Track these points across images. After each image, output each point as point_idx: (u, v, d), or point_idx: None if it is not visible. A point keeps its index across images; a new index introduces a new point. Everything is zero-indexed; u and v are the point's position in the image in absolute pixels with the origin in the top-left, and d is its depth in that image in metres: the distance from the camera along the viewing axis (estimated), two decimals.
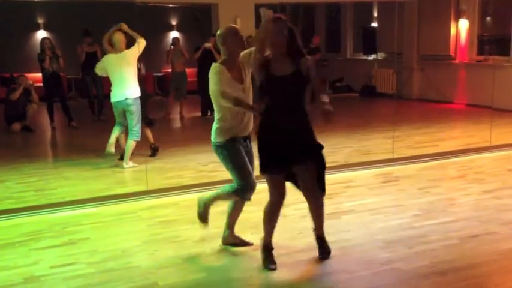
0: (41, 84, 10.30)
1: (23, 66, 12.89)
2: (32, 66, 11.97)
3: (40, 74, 10.30)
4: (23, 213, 5.27)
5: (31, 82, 10.32)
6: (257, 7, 11.11)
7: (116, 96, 6.85)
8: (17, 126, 9.89)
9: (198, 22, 13.29)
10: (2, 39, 13.90)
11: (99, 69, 7.06)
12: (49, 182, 6.47)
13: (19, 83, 10.23)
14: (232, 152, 3.95)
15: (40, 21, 15.01)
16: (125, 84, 6.82)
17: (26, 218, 5.19)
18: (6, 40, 14.02)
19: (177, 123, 11.02)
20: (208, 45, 10.83)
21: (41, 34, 14.20)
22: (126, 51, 6.91)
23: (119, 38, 6.90)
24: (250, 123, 4.07)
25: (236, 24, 10.98)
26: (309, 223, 4.82)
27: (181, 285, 3.69)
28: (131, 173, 6.75)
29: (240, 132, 3.99)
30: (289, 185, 3.95)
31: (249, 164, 4.00)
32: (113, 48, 6.93)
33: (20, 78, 10.36)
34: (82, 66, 10.93)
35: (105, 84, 11.12)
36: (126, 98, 6.80)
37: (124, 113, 6.90)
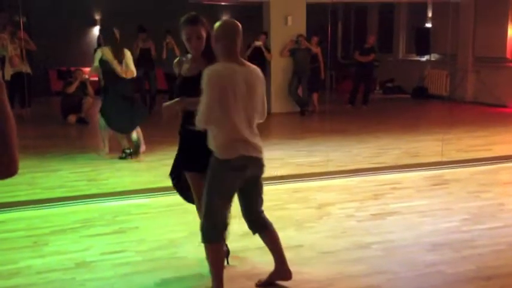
0: (97, 79, 10.61)
1: (80, 61, 13.30)
2: (88, 61, 12.33)
3: None
4: (76, 202, 5.46)
5: (87, 76, 10.62)
6: (309, 6, 11.11)
7: None
8: (72, 118, 10.23)
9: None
10: (60, 34, 14.37)
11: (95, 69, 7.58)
12: (101, 172, 6.67)
13: (75, 77, 10.55)
14: None
15: (97, 17, 15.45)
16: None
17: (78, 206, 5.38)
18: (64, 35, 14.48)
19: None
20: (258, 43, 10.88)
21: (98, 29, 14.63)
22: None
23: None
24: None
25: (287, 23, 11.07)
26: (354, 223, 4.84)
27: (224, 278, 3.76)
28: None
29: None
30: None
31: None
32: None
33: (76, 72, 10.68)
34: (136, 61, 11.16)
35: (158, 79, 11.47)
36: None
37: None
